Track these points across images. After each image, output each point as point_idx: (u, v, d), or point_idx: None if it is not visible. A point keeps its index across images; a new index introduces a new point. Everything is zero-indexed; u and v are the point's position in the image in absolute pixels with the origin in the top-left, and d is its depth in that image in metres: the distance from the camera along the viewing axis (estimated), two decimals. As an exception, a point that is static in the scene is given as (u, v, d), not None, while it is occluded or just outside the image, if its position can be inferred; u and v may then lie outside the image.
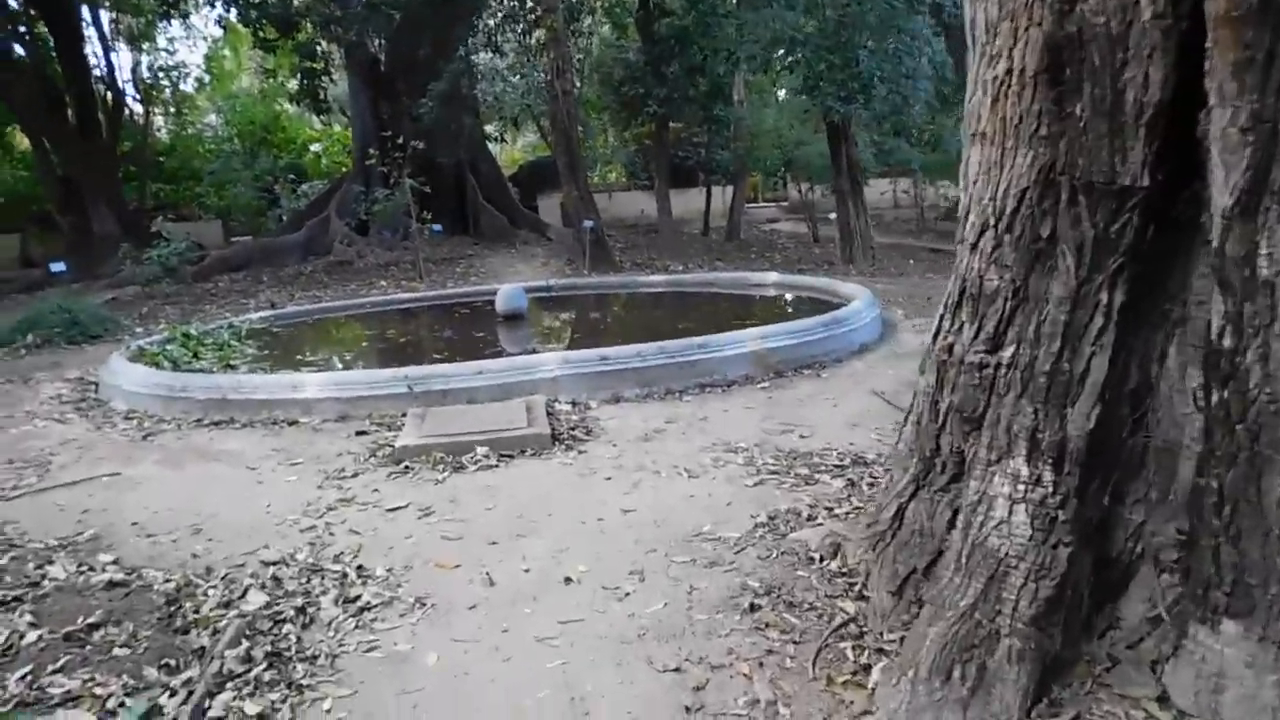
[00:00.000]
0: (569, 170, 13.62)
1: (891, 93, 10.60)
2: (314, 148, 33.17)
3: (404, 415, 5.55)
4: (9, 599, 3.17)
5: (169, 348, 7.21)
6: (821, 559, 3.24)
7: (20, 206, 26.14)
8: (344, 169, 27.25)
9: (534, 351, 7.05)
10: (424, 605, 3.12)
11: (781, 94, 30.16)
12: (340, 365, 7.39)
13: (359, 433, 5.37)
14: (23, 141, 23.98)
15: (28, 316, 9.96)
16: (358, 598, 3.18)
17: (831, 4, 10.70)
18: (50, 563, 3.59)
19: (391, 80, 22.34)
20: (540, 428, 4.95)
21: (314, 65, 23.27)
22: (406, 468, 4.61)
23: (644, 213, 23.29)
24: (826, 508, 3.81)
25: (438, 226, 15.52)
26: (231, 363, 6.96)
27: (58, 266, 10.99)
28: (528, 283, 12.07)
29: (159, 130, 30.96)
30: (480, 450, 4.73)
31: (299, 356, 7.85)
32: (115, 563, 3.58)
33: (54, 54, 22.24)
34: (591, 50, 21.83)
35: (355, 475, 4.57)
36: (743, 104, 19.41)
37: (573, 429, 5.19)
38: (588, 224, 13.53)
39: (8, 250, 25.90)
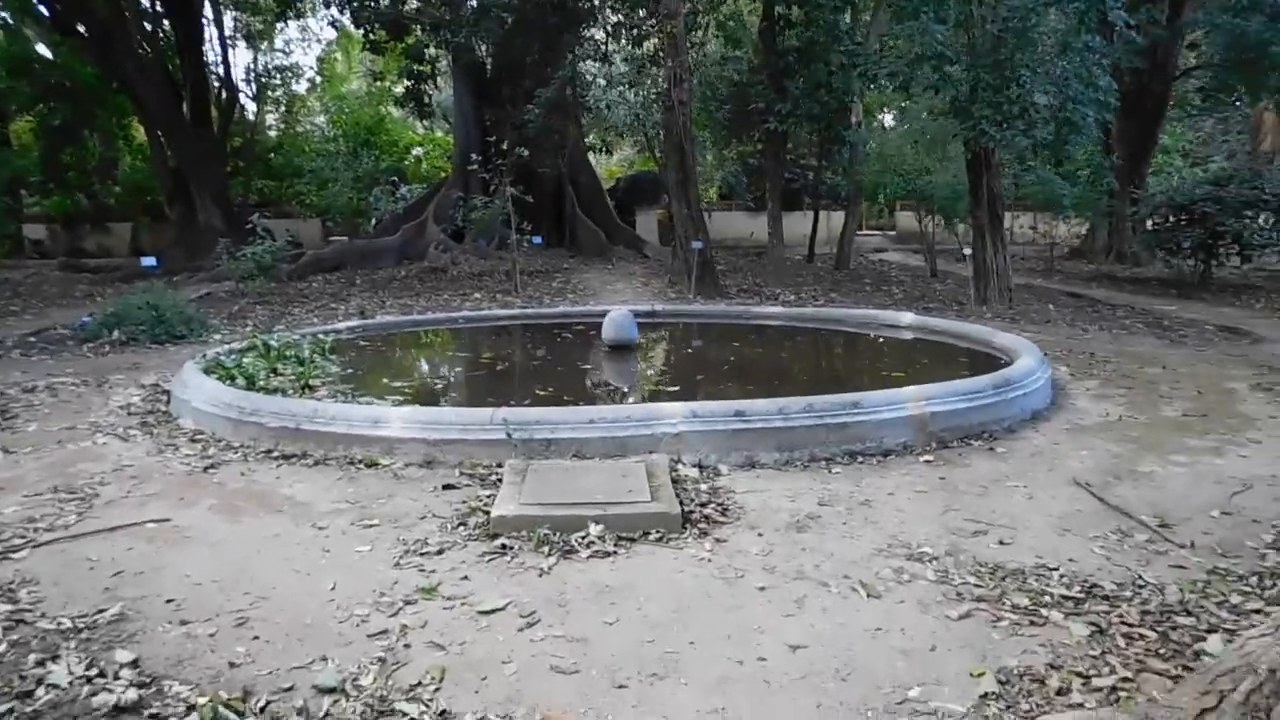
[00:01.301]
0: (680, 186, 12.73)
1: (1056, 119, 9.35)
2: (415, 152, 33.28)
3: (500, 466, 4.68)
4: (-18, 724, 2.37)
5: (245, 360, 6.54)
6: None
7: (136, 197, 26.83)
8: (443, 174, 27.10)
9: (649, 398, 6.10)
10: (530, 797, 2.18)
11: (888, 119, 28.80)
12: (428, 393, 6.57)
13: (446, 486, 4.51)
14: (142, 134, 24.51)
15: (115, 311, 9.58)
16: (438, 771, 2.27)
17: (991, 17, 9.52)
18: (56, 658, 2.80)
19: (497, 86, 21.96)
20: (667, 504, 3.99)
21: (421, 68, 23.15)
22: (503, 546, 3.70)
23: (753, 235, 22.27)
24: (1078, 674, 2.73)
25: (538, 238, 14.87)
26: (310, 382, 6.23)
27: (149, 261, 10.67)
28: (630, 304, 11.20)
29: (269, 128, 31.58)
30: (594, 529, 3.80)
31: (384, 379, 7.10)
32: (134, 665, 2.76)
33: (175, 50, 22.66)
34: (700, 63, 21.00)
35: (441, 551, 3.69)
36: (860, 125, 18.25)
37: (704, 505, 4.21)
38: (696, 245, 12.60)
39: (121, 239, 26.61)
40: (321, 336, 7.70)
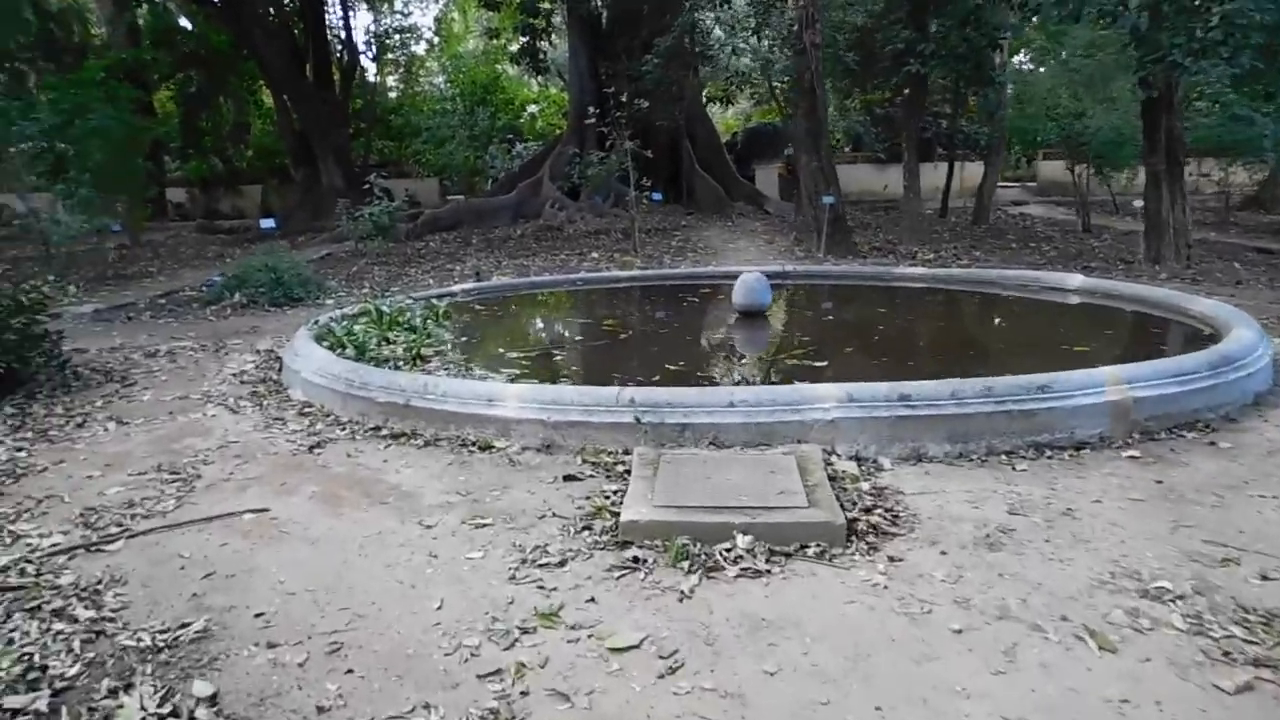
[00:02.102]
0: (810, 136, 11.78)
1: (1271, 44, 7.89)
2: (531, 109, 33.02)
3: (627, 454, 4.13)
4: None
5: (357, 327, 6.21)
6: None
7: (266, 159, 27.69)
8: (558, 131, 26.72)
9: (791, 375, 5.36)
10: None
11: (1018, 59, 26.34)
12: (546, 364, 6.06)
13: (568, 478, 3.99)
14: (270, 99, 25.14)
15: (236, 274, 9.55)
16: None
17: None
18: (130, 686, 2.42)
19: (611, 39, 21.26)
20: (828, 510, 3.33)
21: (536, 23, 22.67)
22: (635, 560, 3.14)
23: (886, 188, 20.97)
24: None
25: (658, 194, 14.19)
26: (423, 351, 5.83)
27: (268, 223, 10.64)
28: (756, 265, 10.45)
29: (389, 90, 31.93)
30: (741, 541, 3.19)
31: (499, 348, 6.65)
32: (212, 703, 2.35)
33: (299, 15, 22.95)
34: (825, 5, 19.64)
35: (563, 563, 3.16)
36: (1004, 67, 16.64)
37: (869, 510, 3.53)
38: (828, 199, 11.66)
39: (253, 201, 27.55)
40: (435, 302, 7.32)
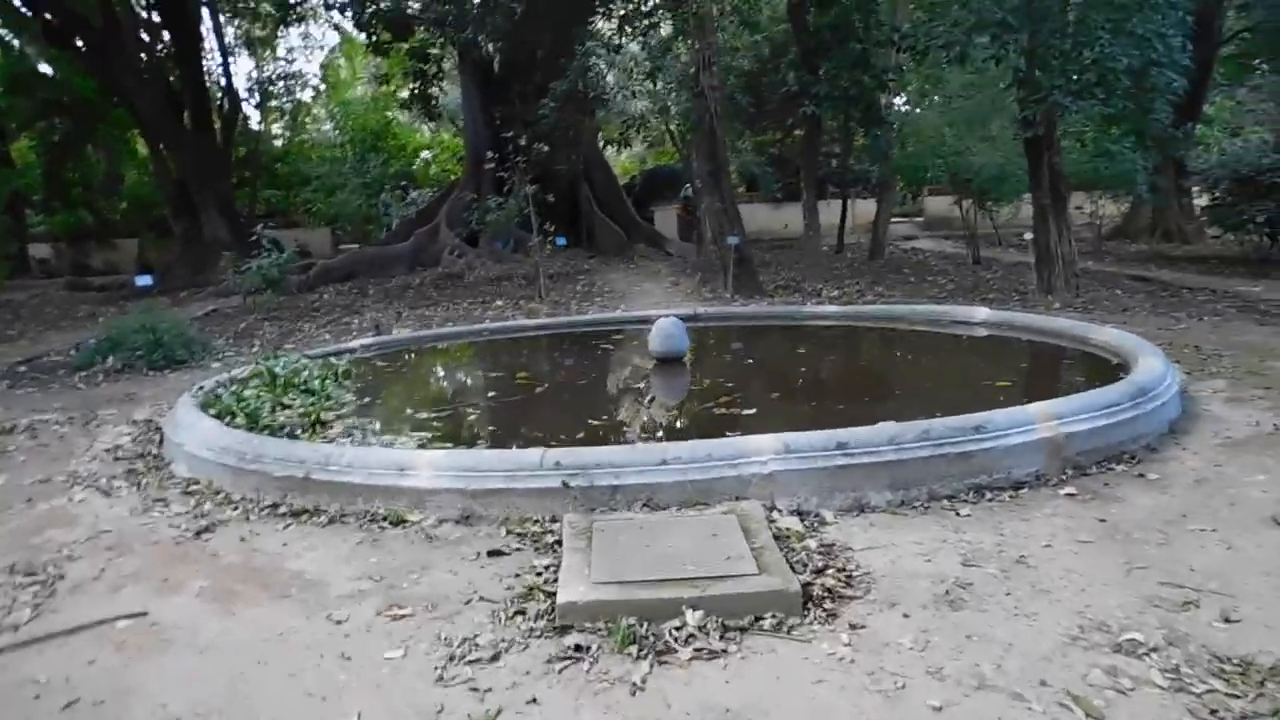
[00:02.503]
0: (712, 178, 11.82)
1: (1138, 87, 8.35)
2: (424, 155, 32.51)
3: (554, 522, 3.83)
4: None
5: (247, 391, 5.69)
6: None
7: (141, 212, 26.18)
8: (453, 177, 26.33)
9: (722, 425, 5.13)
10: None
11: (898, 101, 27.60)
12: (459, 425, 5.62)
13: (493, 553, 3.64)
14: (145, 147, 23.85)
15: (110, 335, 8.77)
16: None
17: (1058, -25, 8.56)
18: None
19: (505, 83, 21.14)
20: (779, 576, 3.11)
21: (426, 68, 22.36)
22: (578, 648, 2.82)
23: (787, 227, 21.37)
24: None
25: (562, 239, 13.96)
26: (323, 416, 5.38)
27: (144, 279, 9.80)
28: (665, 308, 10.32)
29: (275, 138, 30.87)
30: (691, 618, 2.92)
31: (406, 408, 6.21)
32: None
33: (174, 60, 21.92)
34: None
35: (496, 656, 2.81)
36: (889, 107, 17.29)
37: (821, 571, 3.33)
38: (733, 240, 11.68)
39: (127, 255, 25.96)
40: (333, 360, 6.83)
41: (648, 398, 6.08)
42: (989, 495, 4.13)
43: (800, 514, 3.93)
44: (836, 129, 18.89)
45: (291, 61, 41.46)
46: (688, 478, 3.93)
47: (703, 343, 7.02)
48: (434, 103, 24.57)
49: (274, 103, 29.41)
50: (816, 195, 17.89)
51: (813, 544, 3.59)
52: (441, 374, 7.75)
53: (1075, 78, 8.47)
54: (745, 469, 3.97)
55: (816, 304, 10.64)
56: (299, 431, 5.16)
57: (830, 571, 3.32)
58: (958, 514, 3.92)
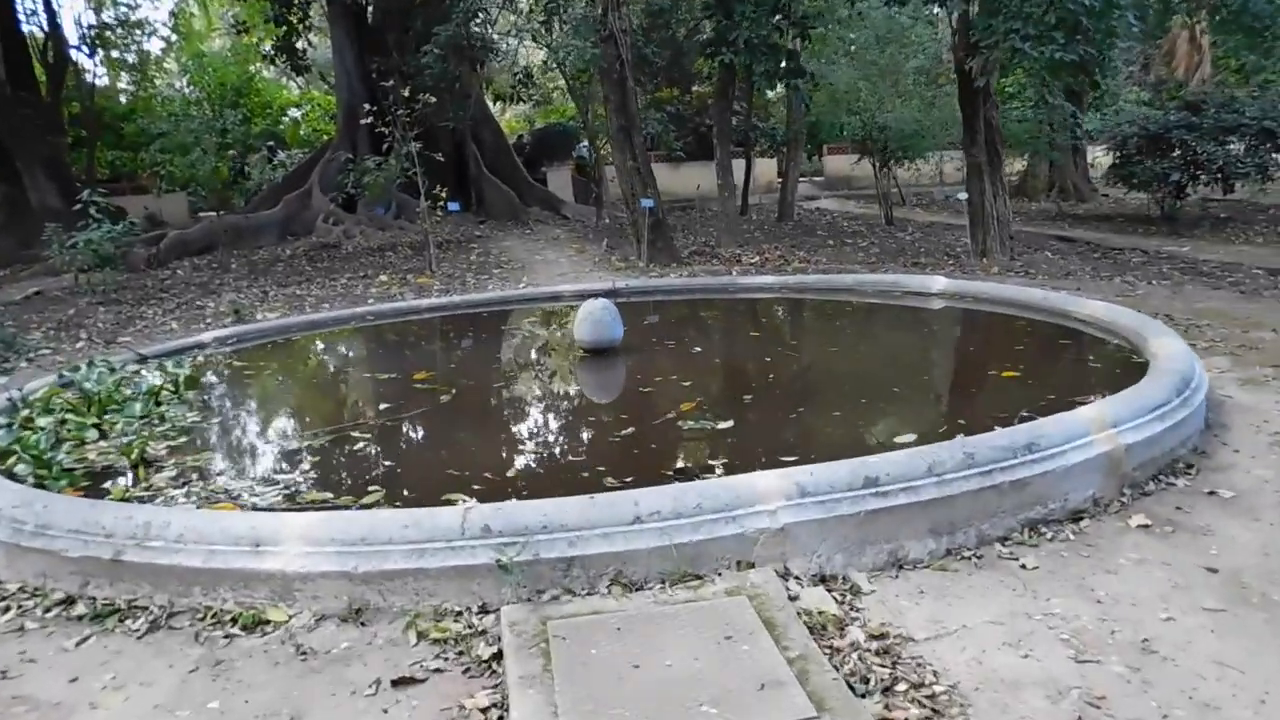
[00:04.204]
0: (623, 133, 10.58)
1: (1098, 30, 7.60)
2: (292, 113, 29.82)
3: (486, 614, 2.68)
4: None
5: (42, 419, 4.20)
6: None
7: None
8: (326, 137, 24.12)
9: (688, 445, 3.95)
10: None
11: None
12: (345, 463, 4.02)
13: (401, 682, 2.45)
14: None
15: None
16: None
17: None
18: None
19: (380, 32, 19.20)
20: (843, 707, 2.05)
21: (289, 16, 20.05)
22: None
23: (700, 188, 20.45)
24: None
25: (455, 204, 12.46)
26: (150, 451, 3.97)
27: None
28: (581, 283, 9.13)
29: (119, 93, 27.59)
30: (736, 817, 1.83)
31: (268, 429, 4.78)
32: None
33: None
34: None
35: None
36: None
37: (890, 691, 2.29)
38: (646, 203, 10.52)
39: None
40: (171, 364, 5.34)
41: (587, 407, 4.86)
42: (1048, 533, 3.21)
43: (824, 580, 2.90)
44: (739, 84, 17.95)
45: (135, 7, 37.35)
46: (671, 540, 2.83)
47: (632, 325, 5.85)
48: (301, 55, 22.24)
49: (115, 54, 26.20)
50: (727, 154, 16.92)
51: (859, 635, 2.56)
52: (317, 376, 6.22)
53: (1034, 18, 7.63)
54: (749, 522, 2.89)
55: (750, 273, 9.64)
56: (118, 477, 3.76)
57: (903, 689, 2.29)
58: (1023, 566, 2.98)
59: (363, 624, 2.75)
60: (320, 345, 7.37)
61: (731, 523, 2.89)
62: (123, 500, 3.41)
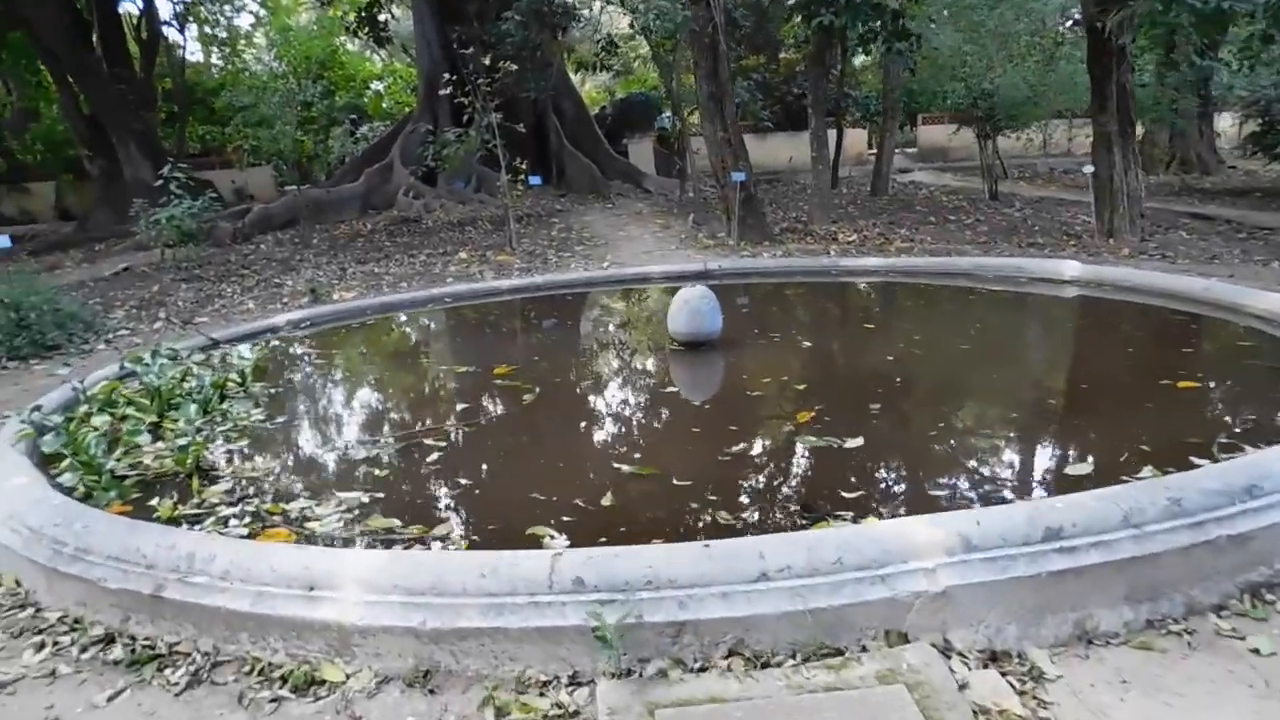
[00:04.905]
0: (714, 102, 9.93)
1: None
2: (375, 86, 29.91)
3: (578, 687, 2.20)
4: None
5: (102, 417, 3.89)
6: None
7: (58, 152, 23.55)
8: (408, 109, 24.01)
9: (832, 478, 3.33)
10: None
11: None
12: (415, 482, 3.54)
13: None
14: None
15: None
16: None
17: None
18: None
19: (462, 1, 18.83)
20: None
21: (373, -14, 19.92)
22: None
23: (791, 160, 19.68)
24: None
25: (536, 177, 12.01)
26: (204, 458, 3.61)
27: (1, 241, 7.68)
28: (665, 263, 8.59)
29: (211, 68, 28.07)
30: None
31: (333, 439, 4.26)
32: None
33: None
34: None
35: None
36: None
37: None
38: (738, 176, 9.87)
39: (43, 200, 23.46)
40: (242, 352, 5.02)
41: (688, 414, 4.24)
42: (1273, 600, 2.54)
43: (995, 658, 2.32)
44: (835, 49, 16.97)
45: (226, -16, 38.04)
46: (806, 604, 2.28)
47: (729, 312, 5.24)
48: (383, 26, 22.12)
49: (206, 29, 26.60)
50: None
51: (1057, 748, 1.98)
52: (388, 369, 5.77)
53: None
54: (901, 584, 2.33)
55: (842, 253, 8.93)
56: (168, 491, 3.40)
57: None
58: (1255, 650, 2.33)
59: (431, 691, 2.30)
60: (395, 331, 7.01)
61: (880, 583, 2.33)
62: (170, 520, 3.04)
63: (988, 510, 2.51)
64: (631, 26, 13.58)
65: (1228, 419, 3.60)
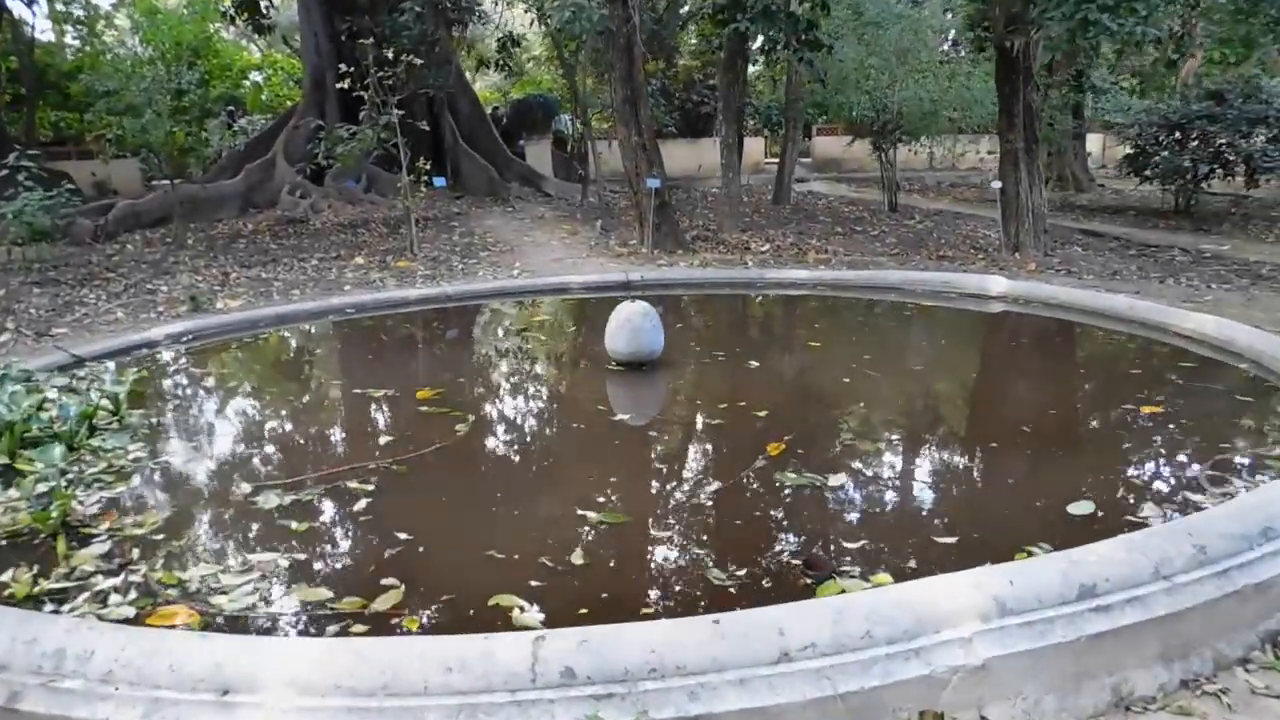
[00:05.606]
0: (628, 105, 9.60)
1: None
2: (253, 76, 28.23)
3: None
4: None
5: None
6: None
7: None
8: (289, 102, 22.75)
9: (819, 522, 2.99)
10: None
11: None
12: (344, 534, 2.99)
13: None
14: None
15: None
16: None
17: None
18: None
19: (350, -10, 17.88)
20: None
21: (252, -31, 18.70)
22: None
23: (700, 168, 19.57)
24: None
25: (441, 179, 11.38)
26: (71, 511, 3.00)
27: None
28: (581, 272, 8.21)
29: (65, 48, 25.79)
30: None
31: (232, 485, 3.37)
32: None
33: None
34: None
35: None
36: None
37: None
38: (653, 183, 9.59)
39: None
40: (109, 382, 4.32)
41: (647, 447, 3.81)
42: (1289, 648, 2.40)
43: (1033, 733, 2.06)
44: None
45: (83, -41, 35.17)
46: (836, 688, 1.96)
47: (667, 328, 4.84)
48: (264, 14, 20.77)
49: (59, 6, 24.42)
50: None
51: None
52: (294, 393, 5.01)
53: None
54: (937, 657, 2.04)
55: (759, 264, 8.77)
56: (22, 560, 2.77)
57: None
58: (1294, 710, 2.16)
59: (385, 820, 1.85)
60: (294, 345, 6.32)
61: (914, 658, 2.03)
62: (28, 599, 2.44)
63: (1019, 566, 2.26)
64: (537, 24, 13.10)
65: (1200, 444, 3.52)
